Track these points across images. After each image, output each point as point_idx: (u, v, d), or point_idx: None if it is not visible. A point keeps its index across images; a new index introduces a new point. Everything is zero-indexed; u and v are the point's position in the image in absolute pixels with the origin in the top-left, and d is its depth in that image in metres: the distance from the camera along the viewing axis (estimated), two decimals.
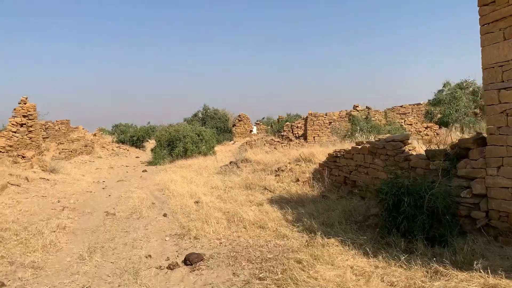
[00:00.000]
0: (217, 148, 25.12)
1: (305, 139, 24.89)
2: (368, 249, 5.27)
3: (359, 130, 17.08)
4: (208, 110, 33.49)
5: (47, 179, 12.50)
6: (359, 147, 8.16)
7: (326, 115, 25.22)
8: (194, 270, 5.25)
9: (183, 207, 9.08)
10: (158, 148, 22.45)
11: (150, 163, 22.21)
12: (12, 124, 15.45)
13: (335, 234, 6.17)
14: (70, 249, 6.33)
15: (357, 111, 20.96)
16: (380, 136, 8.89)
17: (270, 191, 9.63)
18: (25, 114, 16.35)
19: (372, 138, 14.42)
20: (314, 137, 24.73)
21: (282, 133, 27.37)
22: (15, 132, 15.29)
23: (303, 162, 11.31)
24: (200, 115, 33.71)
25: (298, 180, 9.64)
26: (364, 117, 19.12)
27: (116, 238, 6.93)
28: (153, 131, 39.77)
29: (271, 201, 8.58)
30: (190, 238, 6.66)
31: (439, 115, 19.51)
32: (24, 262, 5.54)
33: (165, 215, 8.53)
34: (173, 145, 21.72)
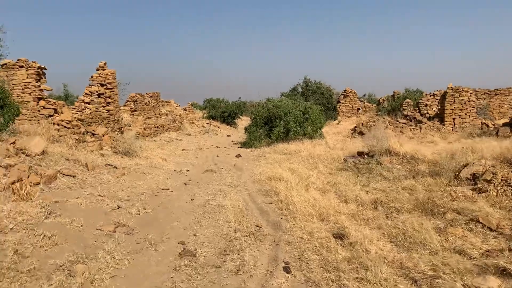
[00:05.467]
0: (323, 129, 20.51)
1: (441, 121, 19.00)
2: None
3: None
4: (310, 84, 28.54)
5: (115, 167, 9.25)
6: None
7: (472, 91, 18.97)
8: None
9: (316, 248, 4.83)
10: (253, 127, 18.66)
11: (243, 145, 18.60)
12: (86, 94, 12.63)
13: None
14: None
15: None
16: None
17: (489, 229, 4.85)
18: (102, 82, 13.51)
19: None
20: (454, 118, 18.77)
21: (405, 113, 21.69)
22: (88, 103, 12.45)
23: None
24: (299, 89, 28.96)
25: None
26: None
27: None
28: (244, 106, 36.63)
29: None
30: None
31: None
32: None
33: (287, 268, 4.35)
34: (271, 124, 17.71)
